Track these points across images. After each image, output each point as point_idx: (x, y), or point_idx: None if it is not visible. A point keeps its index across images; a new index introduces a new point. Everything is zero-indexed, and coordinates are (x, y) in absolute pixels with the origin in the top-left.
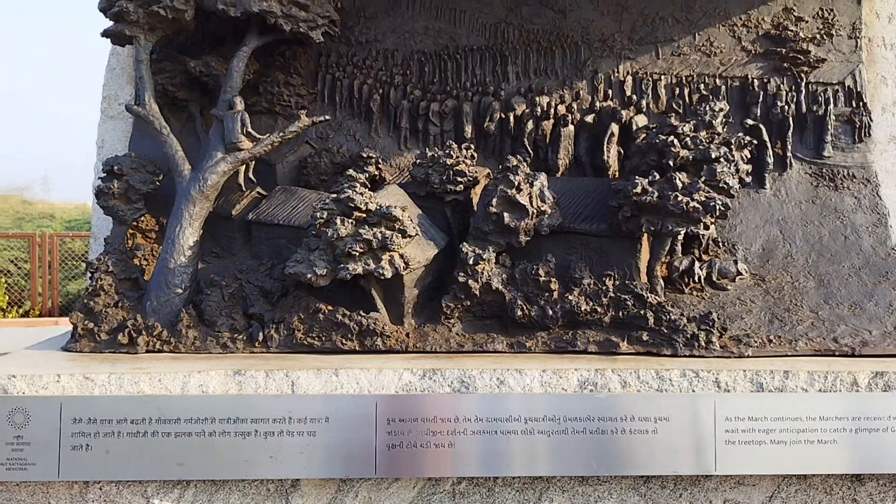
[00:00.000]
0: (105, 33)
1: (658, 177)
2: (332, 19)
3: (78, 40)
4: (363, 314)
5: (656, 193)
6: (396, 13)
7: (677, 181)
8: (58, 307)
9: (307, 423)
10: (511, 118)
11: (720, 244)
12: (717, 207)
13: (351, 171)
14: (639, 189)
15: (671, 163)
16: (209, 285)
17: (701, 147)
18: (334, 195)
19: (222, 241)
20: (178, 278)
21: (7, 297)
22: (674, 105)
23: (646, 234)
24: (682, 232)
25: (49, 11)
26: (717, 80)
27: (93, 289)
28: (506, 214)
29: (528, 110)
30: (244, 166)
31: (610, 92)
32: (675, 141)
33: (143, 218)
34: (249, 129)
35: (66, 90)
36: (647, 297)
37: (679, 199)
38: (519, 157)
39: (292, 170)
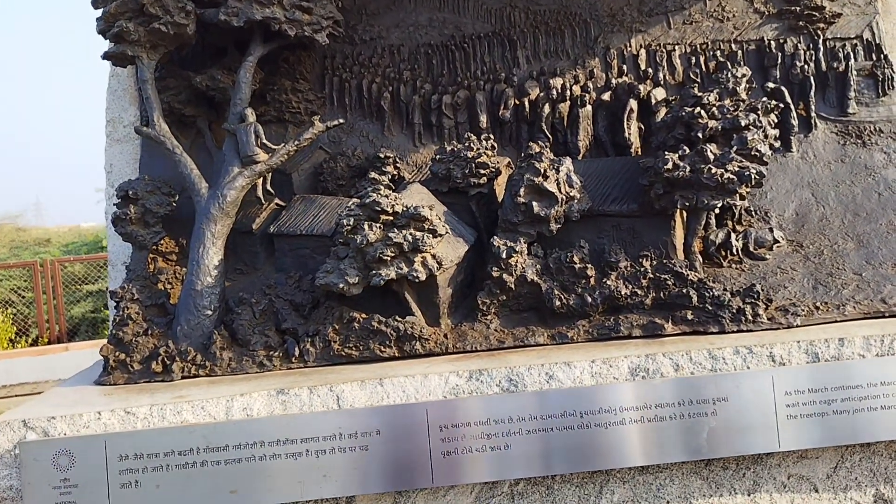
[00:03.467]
0: (106, 55)
1: (688, 150)
2: (335, 20)
3: (62, 63)
4: (399, 319)
5: (688, 168)
6: (399, 7)
7: (708, 153)
8: (65, 332)
9: (358, 437)
10: (526, 104)
11: (753, 213)
12: (752, 176)
13: (373, 174)
14: (669, 165)
15: (700, 135)
16: (239, 304)
17: (729, 116)
18: (359, 200)
19: (245, 257)
20: (206, 299)
21: (14, 328)
22: (691, 75)
23: (679, 210)
24: (719, 205)
25: (32, 34)
26: (733, 46)
27: (120, 318)
28: (534, 203)
29: (542, 94)
30: (261, 178)
31: (624, 67)
32: (702, 112)
33: (162, 241)
34: (264, 141)
35: (51, 114)
36: (688, 275)
37: (713, 171)
38: (540, 143)
39: (308, 177)
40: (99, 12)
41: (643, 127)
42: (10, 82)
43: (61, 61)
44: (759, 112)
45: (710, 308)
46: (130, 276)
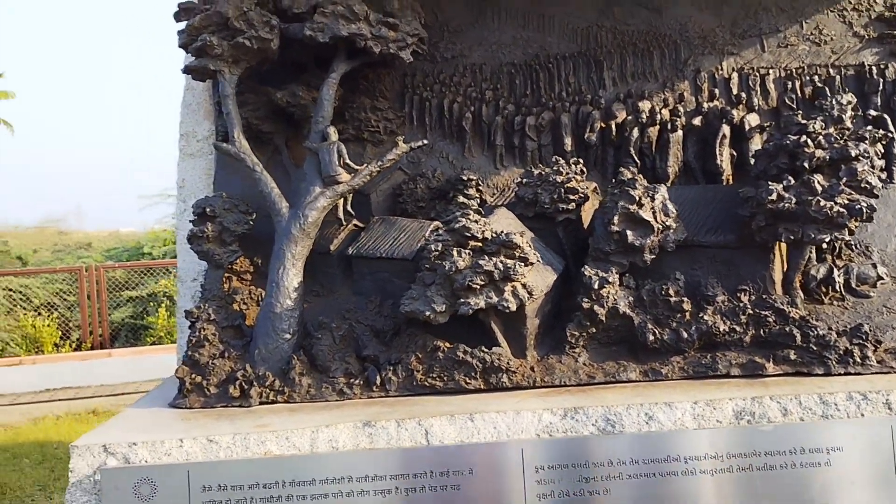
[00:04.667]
0: (186, 69)
1: (792, 181)
2: (420, 37)
3: (105, 67)
4: (485, 350)
5: (793, 199)
6: (482, 25)
7: (816, 184)
8: (108, 338)
9: (450, 475)
10: (612, 127)
11: (854, 247)
12: (864, 210)
13: (461, 198)
14: (774, 196)
15: (805, 165)
16: (318, 328)
17: (836, 145)
18: (446, 224)
19: (322, 279)
20: (285, 323)
21: (59, 332)
22: (786, 100)
23: (778, 243)
24: (826, 239)
25: (77, 40)
26: (831, 71)
27: (196, 339)
28: (629, 232)
29: (630, 117)
30: (342, 199)
31: (716, 91)
32: (808, 141)
33: (237, 260)
34: (347, 161)
35: (93, 119)
36: (789, 312)
37: (821, 203)
38: (632, 168)
39: (387, 198)
40: (181, 25)
41: (735, 153)
42: (55, 88)
43: (107, 68)
44: (867, 141)
45: (815, 348)
46: (206, 296)
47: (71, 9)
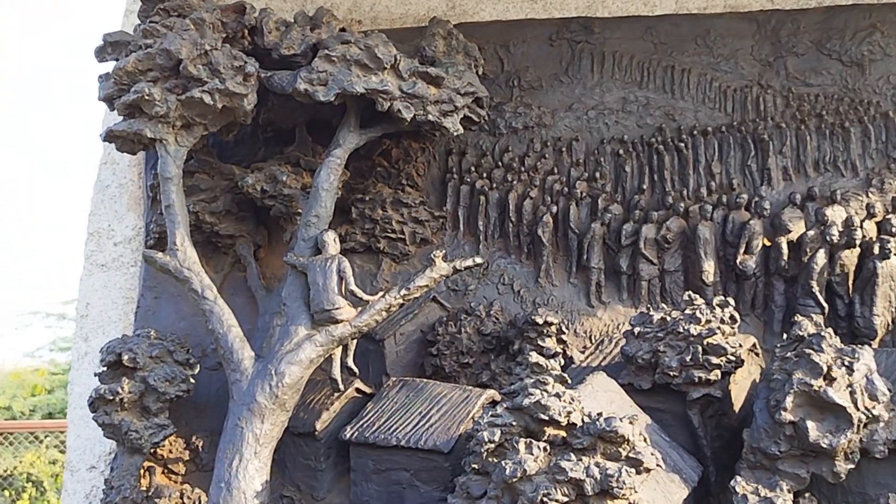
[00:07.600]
0: (109, 135)
1: None
2: (477, 96)
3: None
4: None
5: None
6: (574, 79)
7: None
8: None
9: None
10: (783, 245)
11: None
12: None
13: (534, 354)
14: None
15: None
16: None
17: None
18: (510, 398)
19: (299, 476)
20: None
21: None
22: None
23: None
24: None
25: None
26: None
27: None
28: (810, 424)
29: (811, 232)
30: (341, 347)
31: None
32: None
33: (164, 441)
34: (352, 287)
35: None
36: None
37: None
38: (816, 316)
39: (410, 347)
40: (108, 66)
41: None
42: None
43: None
44: None
45: None
46: (111, 498)
47: None
